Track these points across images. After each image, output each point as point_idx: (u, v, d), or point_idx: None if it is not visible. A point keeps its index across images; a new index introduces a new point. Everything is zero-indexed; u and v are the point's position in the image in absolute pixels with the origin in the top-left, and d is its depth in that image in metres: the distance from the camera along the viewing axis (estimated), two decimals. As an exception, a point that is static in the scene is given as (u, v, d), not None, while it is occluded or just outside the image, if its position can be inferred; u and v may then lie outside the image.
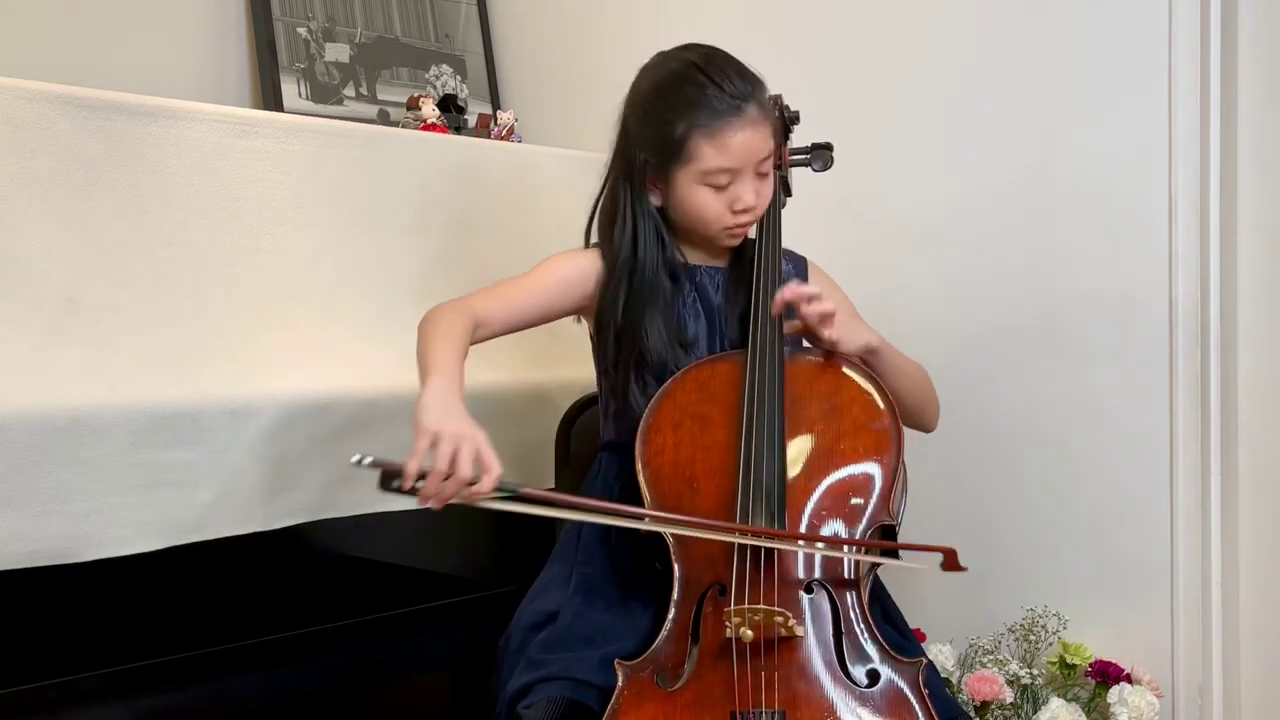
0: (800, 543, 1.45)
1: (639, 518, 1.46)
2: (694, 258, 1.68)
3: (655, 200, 1.63)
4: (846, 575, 1.45)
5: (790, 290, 1.54)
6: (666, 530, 1.46)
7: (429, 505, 1.35)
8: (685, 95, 1.56)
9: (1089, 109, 1.96)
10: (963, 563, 1.42)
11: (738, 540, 1.42)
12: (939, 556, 1.43)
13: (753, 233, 1.68)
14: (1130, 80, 1.92)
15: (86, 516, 1.56)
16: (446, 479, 1.32)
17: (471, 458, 1.33)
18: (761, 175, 1.60)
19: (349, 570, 2.05)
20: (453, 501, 1.35)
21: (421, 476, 1.32)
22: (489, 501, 1.35)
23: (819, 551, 1.45)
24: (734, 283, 1.67)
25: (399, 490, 1.32)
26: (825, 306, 1.53)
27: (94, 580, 1.62)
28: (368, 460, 1.31)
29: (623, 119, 1.64)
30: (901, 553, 1.48)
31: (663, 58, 1.62)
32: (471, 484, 1.33)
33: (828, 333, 1.54)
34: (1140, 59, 1.91)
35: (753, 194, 1.59)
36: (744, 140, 1.55)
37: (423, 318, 1.55)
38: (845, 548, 1.46)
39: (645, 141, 1.60)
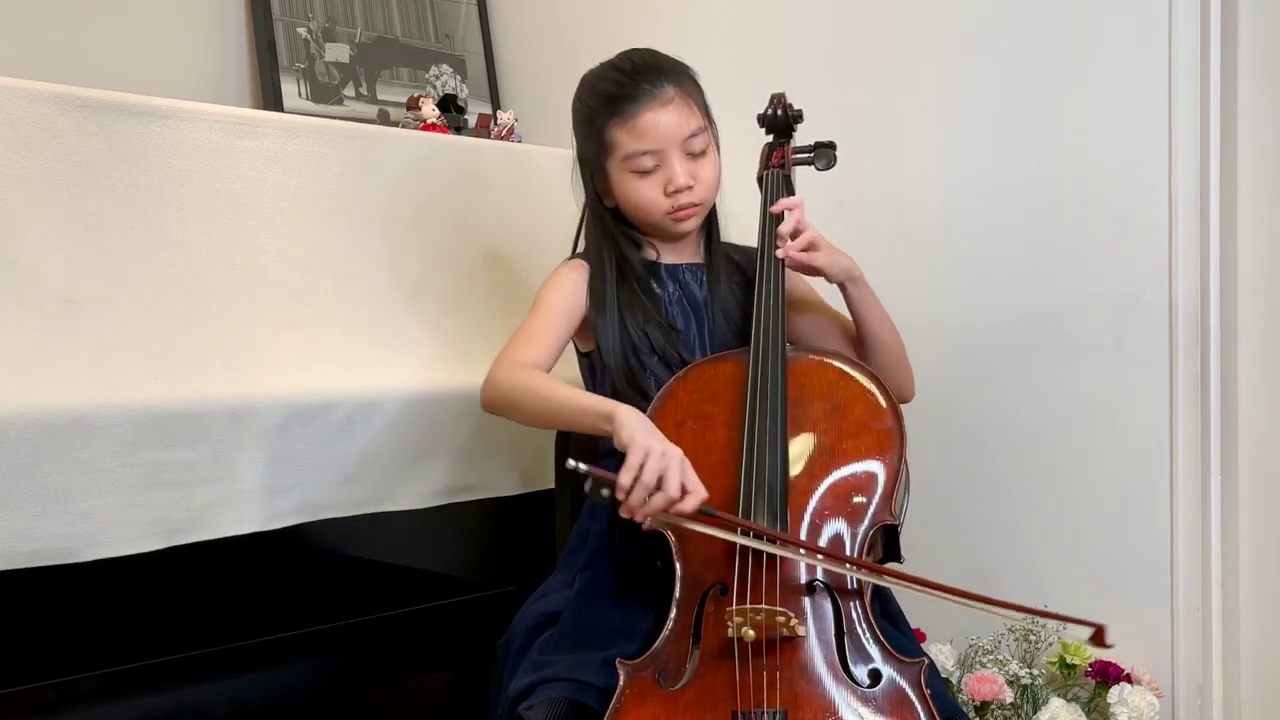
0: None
1: (841, 562, 1.45)
2: (671, 257, 1.71)
3: (609, 203, 1.68)
4: (849, 577, 1.45)
5: (786, 208, 1.63)
6: (866, 576, 1.46)
7: (633, 517, 1.41)
8: (601, 92, 1.63)
9: (1089, 109, 1.96)
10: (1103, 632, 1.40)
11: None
12: (1089, 631, 1.41)
13: (754, 238, 1.69)
14: (1130, 80, 1.92)
15: (86, 516, 1.56)
16: (653, 494, 1.39)
17: (679, 477, 1.39)
18: (693, 155, 1.63)
19: (349, 570, 2.05)
20: (657, 517, 1.42)
21: (631, 490, 1.39)
22: (689, 521, 1.42)
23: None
24: (713, 276, 1.70)
25: (608, 499, 1.40)
26: (806, 236, 1.61)
27: (94, 580, 1.62)
28: (583, 468, 1.38)
29: (572, 133, 1.70)
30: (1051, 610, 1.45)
31: (592, 70, 1.68)
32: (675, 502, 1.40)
33: (812, 255, 1.61)
34: (1140, 59, 1.91)
35: (684, 175, 1.62)
36: (653, 120, 1.60)
37: (500, 390, 1.59)
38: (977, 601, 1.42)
39: (583, 147, 1.68)
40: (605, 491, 1.40)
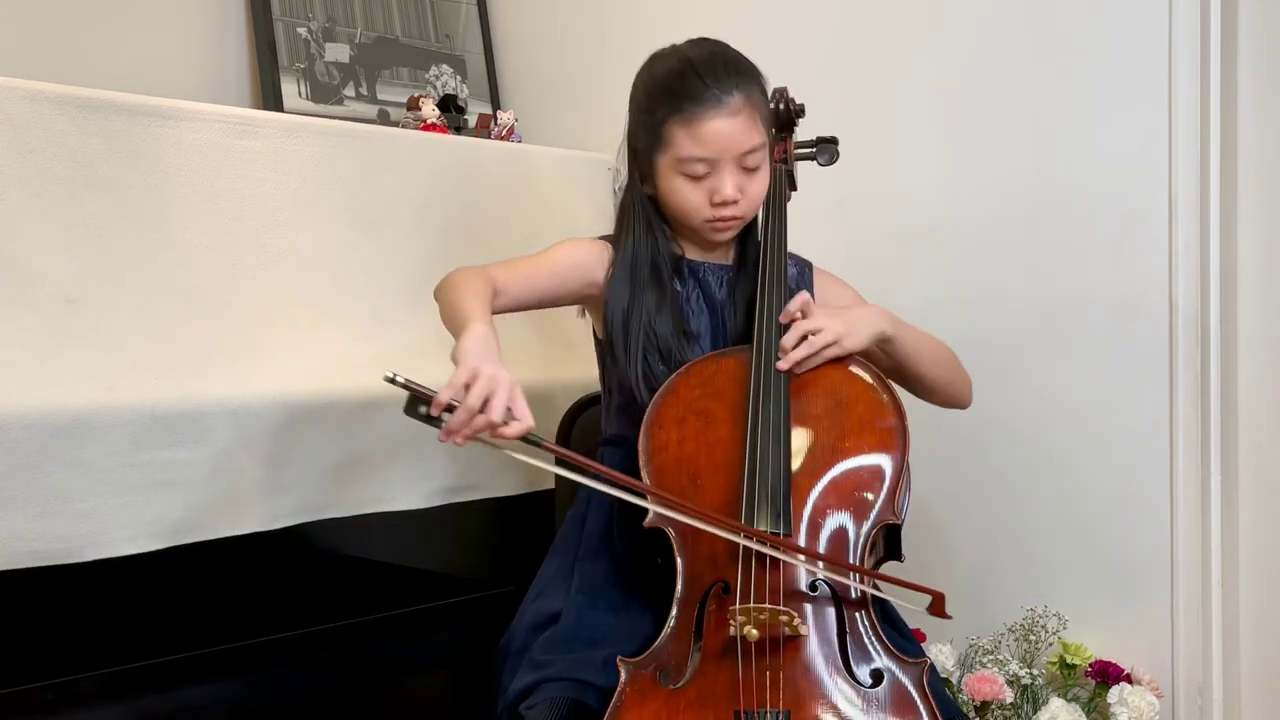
0: (800, 556, 1.44)
1: (642, 494, 1.45)
2: (696, 254, 1.68)
3: (648, 190, 1.64)
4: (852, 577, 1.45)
5: (798, 306, 1.56)
6: (664, 511, 1.44)
7: (451, 440, 1.34)
8: (668, 85, 1.57)
9: (1089, 109, 1.96)
10: (948, 610, 1.44)
11: (742, 541, 1.41)
12: (928, 599, 1.42)
13: (759, 229, 1.68)
14: (1130, 80, 1.92)
15: (86, 516, 1.56)
16: (476, 416, 1.33)
17: (505, 401, 1.34)
18: (747, 170, 1.58)
19: (349, 570, 2.05)
20: (476, 440, 1.35)
21: (449, 410, 1.32)
22: (510, 447, 1.36)
23: (804, 565, 1.44)
24: (739, 280, 1.67)
25: (425, 417, 1.32)
26: (807, 327, 1.54)
27: (94, 580, 1.62)
28: (401, 379, 1.31)
29: (627, 110, 1.65)
30: (893, 590, 1.45)
31: (663, 51, 1.63)
32: (498, 427, 1.34)
33: (833, 350, 1.54)
34: (1140, 59, 1.91)
35: (732, 187, 1.56)
36: (718, 129, 1.54)
37: (443, 281, 1.55)
38: (850, 574, 1.44)
39: (636, 130, 1.62)
40: (423, 409, 1.32)
